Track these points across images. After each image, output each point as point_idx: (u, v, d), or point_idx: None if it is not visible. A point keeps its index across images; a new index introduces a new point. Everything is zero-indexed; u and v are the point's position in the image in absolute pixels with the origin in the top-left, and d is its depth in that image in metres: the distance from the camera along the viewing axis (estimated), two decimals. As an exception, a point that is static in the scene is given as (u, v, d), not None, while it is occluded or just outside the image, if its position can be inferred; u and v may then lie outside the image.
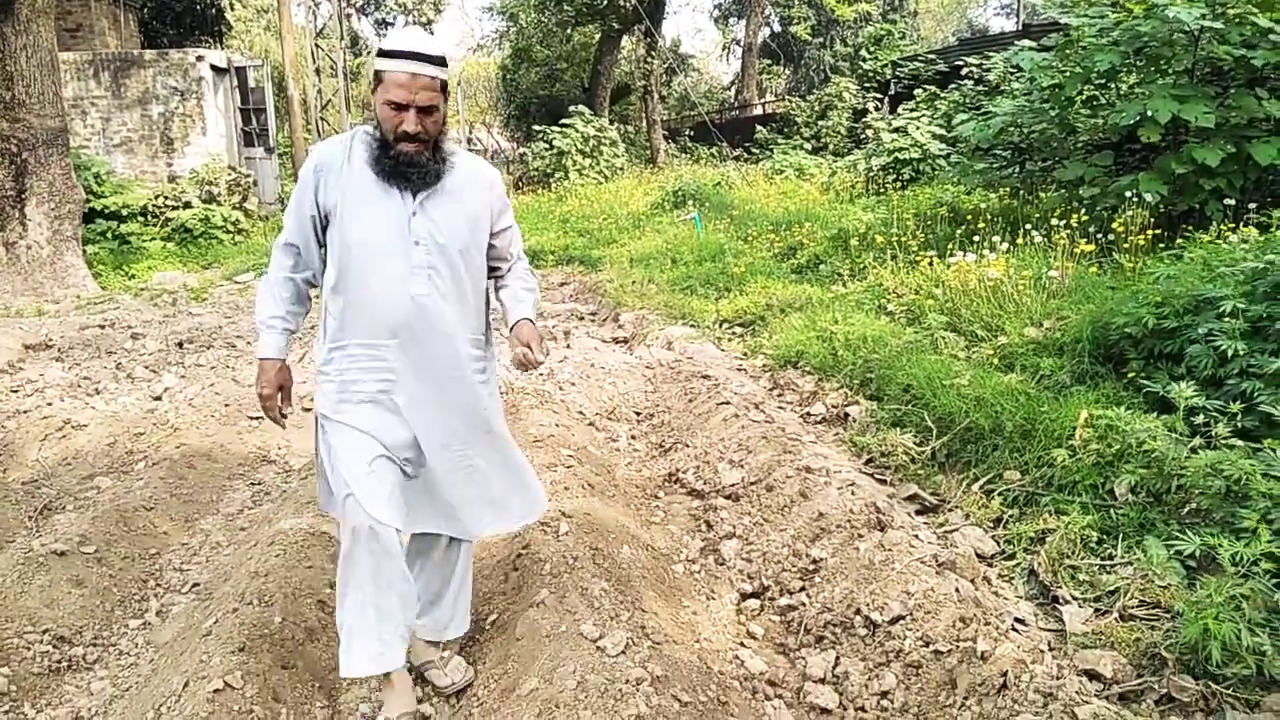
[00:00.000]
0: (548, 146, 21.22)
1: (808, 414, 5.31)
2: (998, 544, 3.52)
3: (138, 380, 6.70)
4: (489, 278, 2.78)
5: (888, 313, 6.36)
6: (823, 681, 2.88)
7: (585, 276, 11.06)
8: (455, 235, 2.55)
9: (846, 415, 5.10)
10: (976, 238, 6.61)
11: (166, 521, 4.30)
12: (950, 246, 6.75)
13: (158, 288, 11.23)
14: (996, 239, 6.30)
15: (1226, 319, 3.72)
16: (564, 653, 2.71)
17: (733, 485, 4.35)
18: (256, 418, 5.60)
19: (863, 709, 2.72)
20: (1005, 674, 2.52)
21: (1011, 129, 7.70)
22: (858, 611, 3.05)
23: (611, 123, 23.91)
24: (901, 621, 2.91)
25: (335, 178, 2.50)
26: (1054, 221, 6.29)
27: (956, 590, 2.95)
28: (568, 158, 20.78)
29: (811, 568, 3.45)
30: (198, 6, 22.66)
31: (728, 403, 5.23)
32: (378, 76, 2.45)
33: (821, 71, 29.64)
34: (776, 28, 33.51)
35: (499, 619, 3.22)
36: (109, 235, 13.86)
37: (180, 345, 7.81)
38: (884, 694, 2.73)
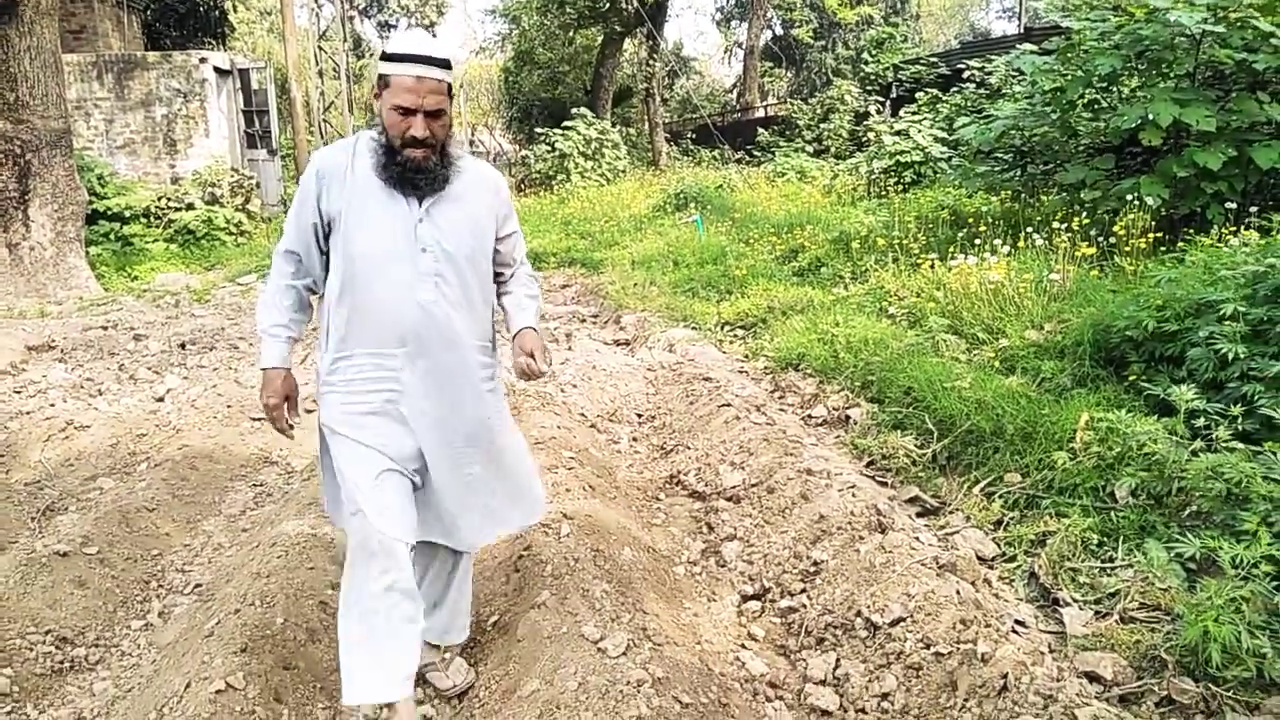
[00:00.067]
0: (550, 149, 21.24)
1: (809, 416, 5.31)
2: (998, 546, 3.52)
3: (140, 381, 6.71)
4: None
5: (889, 315, 6.37)
6: (823, 683, 2.88)
7: (587, 278, 11.07)
8: (462, 242, 2.50)
9: (848, 418, 5.11)
10: (978, 241, 6.62)
11: (169, 523, 4.31)
12: (951, 249, 6.75)
13: (160, 289, 11.25)
14: (998, 242, 6.30)
15: (1227, 322, 3.72)
16: (565, 654, 2.71)
17: (734, 487, 4.36)
18: (258, 419, 5.61)
19: (863, 710, 2.72)
20: (1005, 676, 2.52)
21: (1013, 132, 7.71)
22: (858, 613, 3.06)
23: (613, 125, 23.93)
24: (902, 623, 2.91)
25: (339, 184, 2.45)
26: (1055, 225, 6.30)
27: (957, 592, 2.95)
28: (570, 160, 20.80)
29: (812, 570, 3.45)
30: (201, 9, 22.72)
31: (729, 405, 5.23)
32: (383, 81, 2.40)
33: (823, 74, 29.63)
34: (778, 31, 33.52)
35: (500, 620, 3.23)
36: (112, 237, 13.88)
37: (183, 347, 7.82)
38: (884, 696, 2.73)
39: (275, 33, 31.33)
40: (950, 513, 3.88)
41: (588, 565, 3.30)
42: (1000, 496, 3.81)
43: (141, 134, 16.41)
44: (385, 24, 33.53)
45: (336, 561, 3.34)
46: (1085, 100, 7.09)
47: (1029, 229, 6.68)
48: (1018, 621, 2.91)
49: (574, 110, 22.26)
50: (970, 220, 7.83)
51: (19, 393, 6.33)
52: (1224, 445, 3.15)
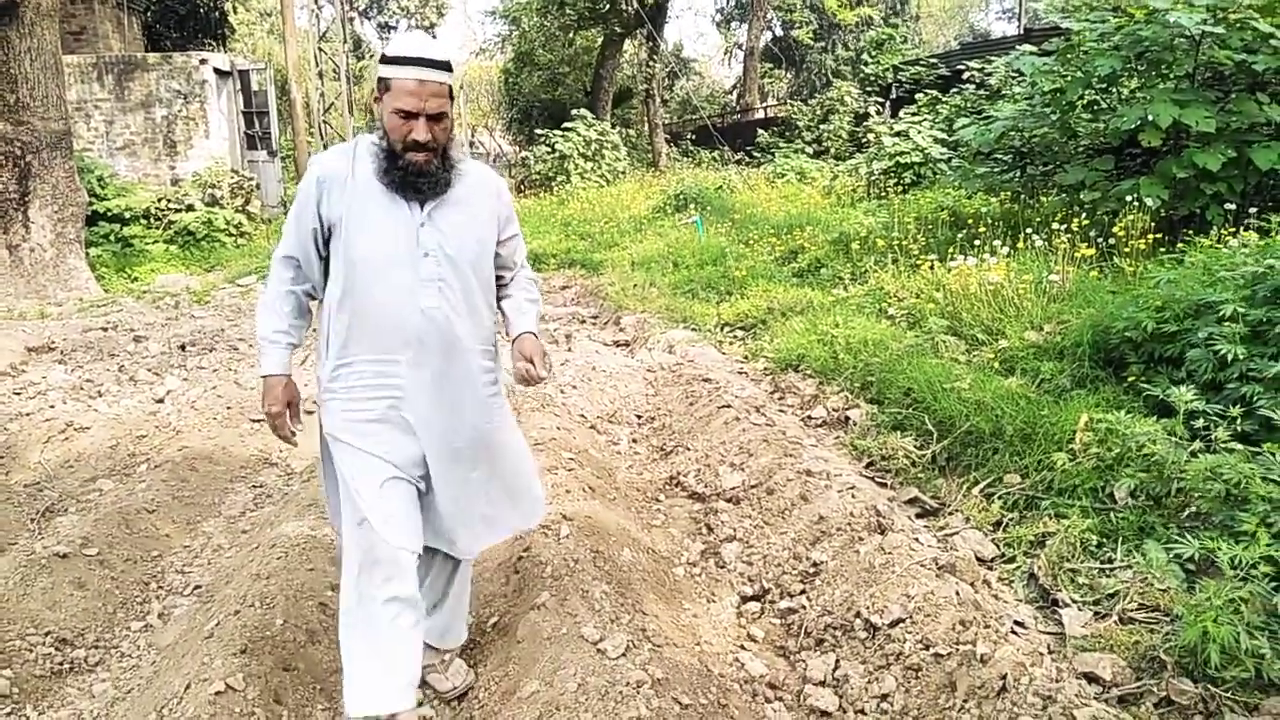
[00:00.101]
0: (550, 150, 21.25)
1: (808, 417, 5.32)
2: (998, 547, 3.53)
3: (140, 383, 6.71)
4: None
5: (888, 316, 6.37)
6: (823, 684, 2.88)
7: (587, 280, 11.08)
8: (464, 246, 2.48)
9: (847, 419, 5.11)
10: (977, 242, 6.62)
11: (168, 524, 4.31)
12: (951, 250, 6.76)
13: (160, 290, 11.25)
14: (997, 243, 6.30)
15: (1226, 323, 3.73)
16: (565, 655, 2.72)
17: (733, 488, 4.36)
18: (258, 420, 5.61)
19: (862, 711, 2.73)
20: (1005, 677, 2.53)
21: (1012, 133, 7.72)
22: (858, 614, 3.06)
23: (613, 126, 23.94)
24: (901, 624, 2.92)
25: (339, 189, 2.43)
26: (1055, 226, 6.30)
27: (956, 593, 2.96)
28: (570, 161, 20.81)
29: (812, 571, 3.46)
30: (201, 10, 22.73)
31: (729, 406, 5.24)
32: (383, 84, 2.38)
33: (823, 75, 29.64)
34: (778, 32, 33.54)
35: (500, 621, 3.23)
36: (112, 238, 13.88)
37: (182, 348, 7.82)
38: (884, 696, 2.73)
39: (275, 34, 31.35)
40: (950, 514, 3.88)
41: (587, 566, 3.31)
42: (1000, 497, 3.81)
43: (141, 135, 16.42)
44: (385, 25, 33.59)
45: (336, 563, 3.34)
46: (1085, 101, 7.10)
47: (1028, 230, 6.68)
48: (1017, 622, 2.91)
49: (574, 111, 22.27)
50: (970, 221, 7.84)
51: (19, 394, 6.33)
52: (1223, 446, 3.15)
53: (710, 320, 7.86)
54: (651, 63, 24.98)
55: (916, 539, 3.40)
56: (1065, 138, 7.32)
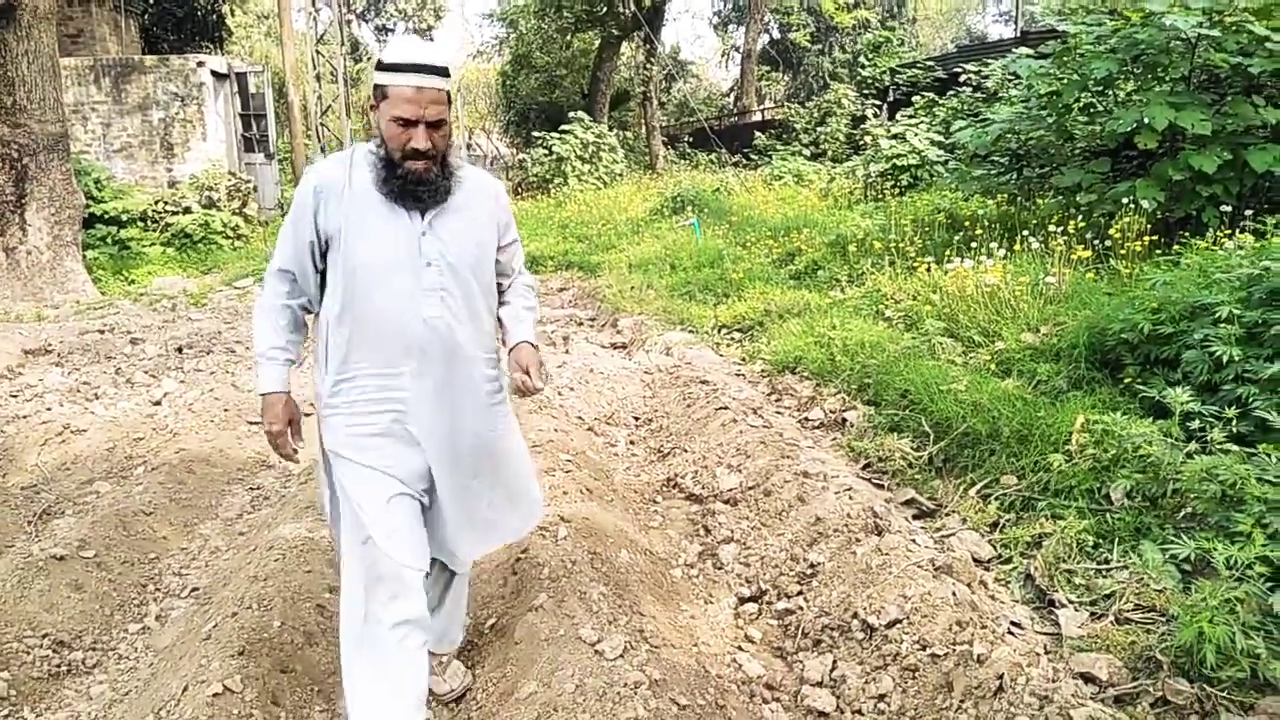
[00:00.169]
0: (547, 152, 21.26)
1: (806, 419, 5.32)
2: (994, 548, 3.53)
3: (137, 385, 6.71)
4: None
5: (885, 318, 6.38)
6: (820, 685, 2.89)
7: (584, 282, 11.09)
8: (466, 253, 2.44)
9: (844, 420, 5.12)
10: (974, 244, 6.64)
11: (166, 526, 4.30)
12: (948, 253, 6.77)
13: (157, 293, 11.25)
14: (994, 245, 6.32)
15: (1222, 325, 3.74)
16: (562, 656, 2.72)
17: (731, 490, 4.37)
18: (255, 423, 5.61)
19: (859, 712, 2.73)
20: (1001, 677, 2.53)
21: (1009, 136, 7.74)
22: (855, 615, 3.07)
23: (611, 129, 23.96)
24: (898, 625, 2.92)
25: (336, 200, 2.37)
26: (1051, 228, 6.32)
27: (953, 594, 2.96)
28: (567, 164, 20.82)
29: (809, 572, 3.46)
30: (198, 13, 22.72)
31: (726, 408, 5.24)
32: (380, 92, 2.33)
33: (820, 78, 29.68)
34: (775, 34, 33.59)
35: (498, 623, 3.23)
36: (109, 240, 13.88)
37: (179, 350, 7.82)
38: (881, 697, 2.74)
39: (273, 37, 31.37)
40: (946, 515, 3.89)
41: (585, 568, 3.31)
42: (996, 499, 3.82)
43: (139, 138, 16.41)
44: (383, 28, 33.59)
45: (334, 565, 3.34)
46: (1081, 104, 7.11)
47: (1025, 232, 6.70)
48: (1013, 623, 2.92)
49: (571, 114, 22.28)
50: (966, 223, 7.86)
51: (15, 396, 6.32)
52: (1219, 447, 3.16)
53: (707, 322, 7.87)
54: (649, 65, 25.02)
55: (913, 540, 3.41)
56: (1061, 140, 7.34)
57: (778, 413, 5.39)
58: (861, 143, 17.17)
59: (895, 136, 13.01)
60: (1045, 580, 3.18)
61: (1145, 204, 5.92)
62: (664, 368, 6.63)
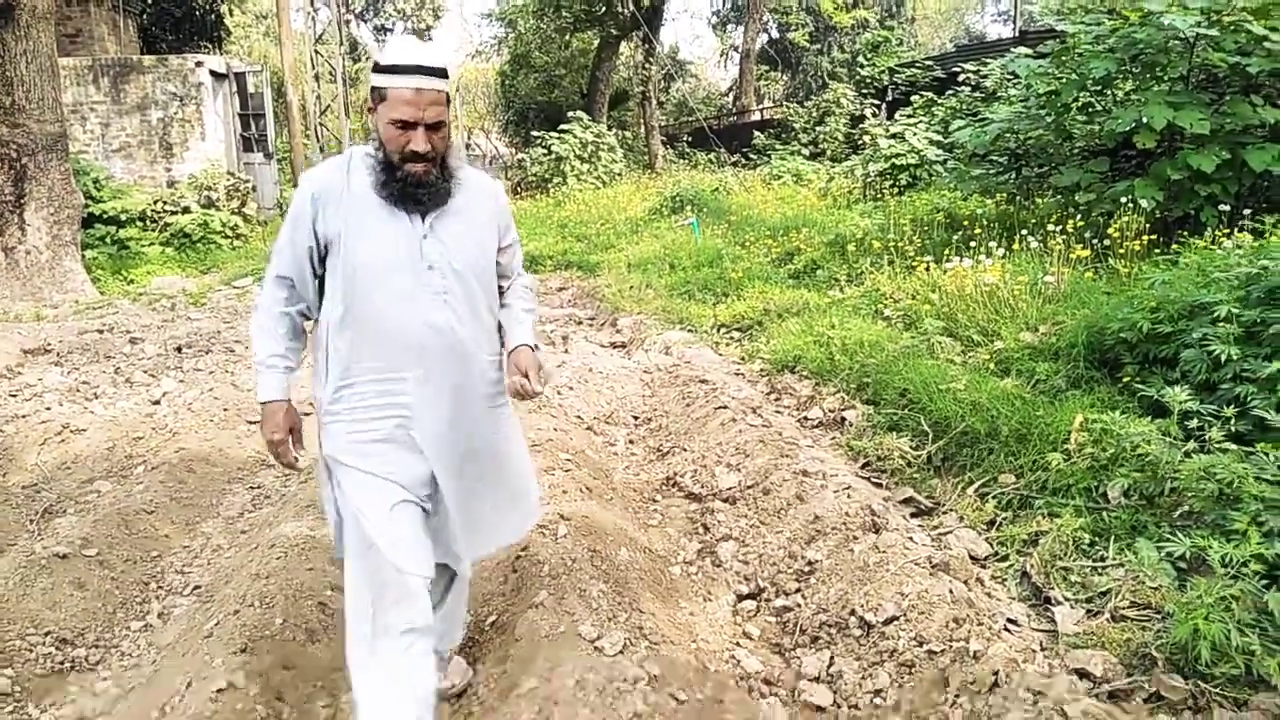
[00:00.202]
0: (546, 152, 21.28)
1: (805, 418, 5.34)
2: (991, 546, 3.55)
3: (136, 385, 6.72)
4: None
5: (884, 318, 6.40)
6: (817, 680, 2.90)
7: (583, 281, 11.10)
8: (468, 256, 2.42)
9: (843, 419, 5.13)
10: (973, 243, 6.65)
11: (167, 525, 4.32)
12: (947, 252, 6.79)
13: (156, 293, 11.26)
14: (993, 244, 6.34)
15: (1221, 324, 3.75)
16: (562, 653, 2.74)
17: (730, 488, 4.38)
18: (255, 422, 5.61)
19: (856, 707, 2.75)
20: (997, 673, 2.55)
21: (1008, 135, 7.75)
22: (852, 612, 3.08)
23: (610, 129, 23.99)
24: (895, 622, 2.94)
25: (335, 205, 2.34)
26: (1050, 227, 6.33)
27: (950, 591, 2.98)
28: (566, 163, 20.84)
29: (807, 569, 3.48)
30: (197, 13, 22.72)
31: (725, 407, 5.26)
32: (378, 94, 2.29)
33: (819, 78, 29.72)
34: (774, 34, 33.61)
35: (498, 620, 3.25)
36: (108, 240, 13.89)
37: (179, 350, 7.83)
38: (877, 692, 2.76)
39: (271, 36, 31.37)
40: (944, 513, 3.91)
41: (585, 565, 3.33)
42: (994, 497, 3.83)
43: (137, 137, 16.41)
44: (381, 28, 33.58)
45: (336, 563, 3.36)
46: (1080, 103, 7.13)
47: (1024, 231, 6.72)
48: (1010, 620, 2.94)
49: (570, 114, 22.30)
50: (965, 223, 7.87)
51: (15, 396, 6.34)
52: (1217, 446, 3.17)
53: (707, 321, 7.89)
54: (648, 65, 25.04)
55: (911, 538, 3.42)
56: (1060, 140, 7.36)
57: (777, 412, 5.40)
58: (860, 142, 17.20)
59: (894, 136, 13.03)
60: (1041, 578, 3.19)
61: (1144, 203, 5.93)
62: (663, 367, 6.64)
